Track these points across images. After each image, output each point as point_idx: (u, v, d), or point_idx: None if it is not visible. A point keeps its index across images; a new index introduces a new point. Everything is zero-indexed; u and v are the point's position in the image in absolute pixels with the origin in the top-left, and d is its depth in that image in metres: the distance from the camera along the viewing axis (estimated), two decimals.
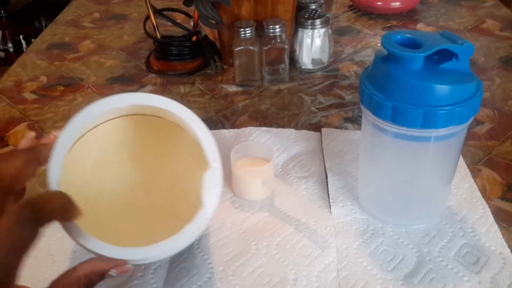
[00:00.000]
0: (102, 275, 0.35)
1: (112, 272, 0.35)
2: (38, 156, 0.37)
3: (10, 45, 2.28)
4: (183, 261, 0.48)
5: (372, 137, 0.48)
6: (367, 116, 0.46)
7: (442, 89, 0.41)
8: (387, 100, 0.42)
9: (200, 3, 0.75)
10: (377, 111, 0.43)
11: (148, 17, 0.85)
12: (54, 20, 1.12)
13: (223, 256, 0.49)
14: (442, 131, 0.43)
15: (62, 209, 0.32)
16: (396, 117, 0.42)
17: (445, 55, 0.42)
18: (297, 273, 0.47)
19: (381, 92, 0.43)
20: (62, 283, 0.33)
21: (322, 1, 0.86)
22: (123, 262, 0.35)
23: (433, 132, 0.43)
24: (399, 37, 0.44)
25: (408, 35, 0.44)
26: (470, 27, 0.98)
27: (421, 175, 0.48)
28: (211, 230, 0.52)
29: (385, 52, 0.44)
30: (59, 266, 0.49)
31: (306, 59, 0.83)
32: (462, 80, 0.42)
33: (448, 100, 0.41)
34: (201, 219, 0.38)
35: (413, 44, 0.42)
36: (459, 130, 0.44)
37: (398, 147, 0.46)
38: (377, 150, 0.49)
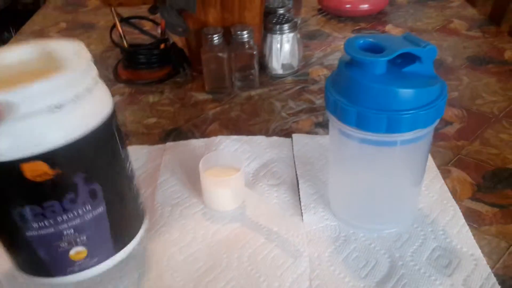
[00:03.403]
0: None
1: None
2: None
3: None
4: (152, 278, 0.47)
5: (339, 142, 0.47)
6: (333, 122, 0.46)
7: (406, 93, 0.40)
8: (352, 105, 0.42)
9: (165, 11, 0.74)
10: (342, 117, 0.43)
11: (114, 25, 0.84)
12: (19, 31, 1.10)
13: (194, 272, 0.48)
14: (407, 135, 0.42)
15: None
16: (361, 123, 0.42)
17: (408, 58, 0.42)
18: (269, 284, 0.46)
19: (346, 97, 0.42)
20: None
21: (290, 6, 0.86)
22: None
23: (398, 137, 0.42)
24: (361, 42, 0.43)
25: (370, 40, 0.43)
26: (438, 27, 0.99)
27: (389, 179, 0.48)
28: (181, 245, 0.50)
29: (349, 57, 0.43)
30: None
31: (275, 64, 0.82)
32: (425, 83, 0.41)
33: (412, 103, 0.40)
34: (72, 66, 0.38)
35: (376, 49, 0.42)
36: (425, 133, 0.44)
37: (364, 152, 0.45)
38: (344, 156, 0.48)
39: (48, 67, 0.42)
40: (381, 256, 0.48)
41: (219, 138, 0.66)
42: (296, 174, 0.59)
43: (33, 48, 0.43)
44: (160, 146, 0.66)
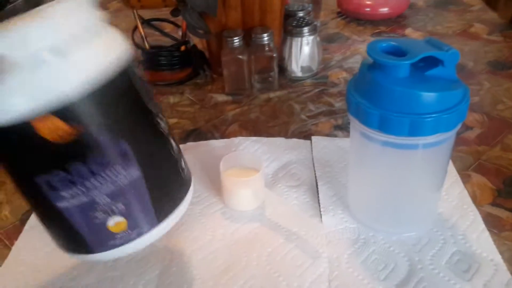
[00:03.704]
0: None
1: None
2: None
3: None
4: (172, 275, 0.48)
5: (360, 145, 0.47)
6: (355, 125, 0.46)
7: (429, 96, 0.40)
8: (374, 108, 0.42)
9: (187, 13, 0.75)
10: (364, 120, 0.43)
11: (136, 27, 0.85)
12: None
13: (213, 269, 0.48)
14: (429, 139, 0.42)
15: None
16: (383, 125, 0.42)
17: (431, 62, 0.42)
18: (288, 284, 0.46)
19: (368, 100, 0.43)
20: None
21: (310, 9, 0.86)
22: None
23: (420, 140, 0.43)
24: (384, 45, 0.43)
25: (393, 43, 0.43)
26: (458, 31, 0.99)
27: (410, 182, 0.48)
28: (201, 244, 0.51)
29: (371, 60, 0.44)
30: (46, 281, 0.48)
31: (295, 67, 0.83)
32: (448, 87, 0.42)
33: (434, 107, 0.41)
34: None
35: (399, 52, 0.42)
36: (447, 137, 0.44)
37: (386, 155, 0.45)
38: (365, 158, 0.49)
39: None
40: (400, 259, 0.48)
41: (238, 139, 0.67)
42: (315, 176, 0.60)
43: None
44: (180, 146, 0.67)
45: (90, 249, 0.40)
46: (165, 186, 0.41)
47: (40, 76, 0.32)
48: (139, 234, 0.40)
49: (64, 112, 0.33)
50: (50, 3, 0.34)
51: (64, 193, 0.36)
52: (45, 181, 0.35)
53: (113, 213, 0.38)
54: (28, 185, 0.37)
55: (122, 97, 0.37)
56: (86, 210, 0.37)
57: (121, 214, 0.38)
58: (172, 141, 0.43)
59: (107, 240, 0.39)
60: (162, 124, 0.41)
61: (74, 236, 0.39)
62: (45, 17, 0.32)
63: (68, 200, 0.37)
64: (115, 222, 0.38)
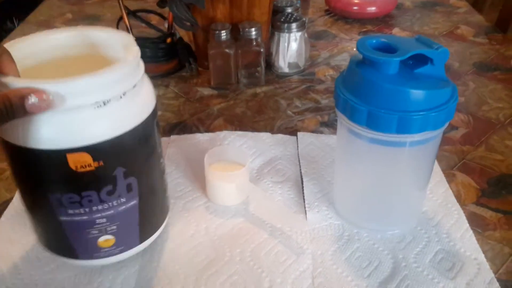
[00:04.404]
0: (21, 98, 0.34)
1: (32, 97, 0.34)
2: None
3: None
4: (153, 270, 0.47)
5: (347, 141, 0.47)
6: (342, 121, 0.45)
7: (417, 94, 0.40)
8: (362, 105, 0.42)
9: (174, 5, 0.73)
10: (352, 116, 0.43)
11: (121, 18, 0.83)
12: (24, 20, 1.09)
13: (196, 264, 0.47)
14: (417, 136, 0.42)
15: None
16: (371, 122, 0.42)
17: (420, 60, 0.42)
18: (271, 280, 0.46)
19: (356, 96, 0.42)
20: None
21: (298, 5, 0.86)
22: (42, 90, 0.34)
23: (408, 138, 0.42)
24: (374, 41, 0.43)
25: (383, 40, 0.43)
26: (444, 32, 0.99)
27: (396, 180, 0.48)
28: (183, 238, 0.50)
29: (360, 56, 0.43)
30: (23, 274, 0.47)
31: (282, 62, 0.82)
32: (437, 85, 0.41)
33: (423, 105, 0.40)
34: (122, 63, 0.38)
35: (388, 49, 0.42)
36: (435, 135, 0.44)
37: (373, 152, 0.45)
38: (352, 155, 0.48)
39: (94, 57, 0.44)
40: (384, 257, 0.48)
41: (223, 133, 0.66)
42: (301, 172, 0.59)
43: (78, 34, 0.44)
44: (164, 139, 0.66)
45: (75, 256, 0.44)
46: (152, 212, 0.46)
47: (81, 118, 0.37)
48: (121, 251, 0.45)
49: (92, 150, 0.37)
50: (114, 65, 0.38)
51: (70, 211, 0.40)
52: (57, 198, 0.40)
53: (106, 232, 0.43)
54: (39, 198, 0.41)
55: (143, 141, 0.42)
56: (84, 226, 0.42)
57: (112, 233, 0.43)
58: (165, 173, 0.48)
59: (93, 252, 0.44)
60: (162, 161, 0.47)
61: (64, 243, 0.43)
62: (103, 75, 0.37)
63: (71, 216, 0.41)
64: (105, 239, 0.43)
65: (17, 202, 0.55)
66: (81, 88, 0.36)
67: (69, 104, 0.35)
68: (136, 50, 0.40)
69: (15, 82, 0.35)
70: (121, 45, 0.42)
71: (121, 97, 0.38)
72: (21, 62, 0.40)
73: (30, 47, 0.42)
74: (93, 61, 0.44)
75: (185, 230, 0.51)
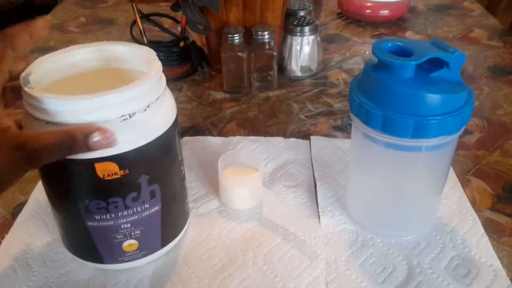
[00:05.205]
0: (86, 135, 0.35)
1: (96, 135, 0.35)
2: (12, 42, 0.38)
3: None
4: (166, 275, 0.47)
5: (361, 146, 0.47)
6: (357, 125, 0.45)
7: (434, 98, 0.40)
8: (378, 109, 0.41)
9: (187, 8, 0.74)
10: (367, 120, 0.43)
11: (134, 22, 0.84)
12: None
13: (209, 268, 0.47)
14: (433, 141, 0.42)
15: (55, 145, 0.34)
16: (387, 126, 0.41)
17: (436, 63, 0.42)
18: (285, 285, 0.46)
19: (371, 100, 0.42)
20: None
21: (311, 8, 0.86)
22: (105, 129, 0.35)
23: (424, 142, 0.42)
24: (389, 45, 0.43)
25: (398, 43, 0.43)
26: (458, 35, 0.98)
27: (411, 185, 0.47)
28: (197, 242, 0.50)
29: (375, 60, 0.43)
30: (37, 276, 0.47)
31: (294, 66, 0.82)
32: (453, 89, 0.41)
33: (439, 109, 0.40)
34: (146, 77, 0.39)
35: (404, 52, 0.42)
36: (450, 140, 0.43)
37: (388, 157, 0.45)
38: (366, 160, 0.48)
39: (111, 70, 0.46)
40: (398, 263, 0.48)
41: (236, 138, 0.66)
42: (314, 177, 0.59)
43: (98, 49, 0.46)
44: None
45: (101, 260, 0.46)
46: (173, 219, 0.48)
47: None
48: (144, 255, 0.46)
49: (118, 159, 0.39)
50: (139, 80, 0.39)
51: (96, 216, 0.42)
52: (84, 205, 0.41)
53: (130, 236, 0.44)
54: (68, 205, 0.42)
55: (166, 149, 0.43)
56: (109, 231, 0.43)
57: (136, 238, 0.45)
58: (185, 180, 0.49)
59: (118, 256, 0.45)
60: (183, 168, 0.48)
61: (91, 248, 0.45)
62: (129, 90, 0.38)
63: (98, 222, 0.43)
64: (129, 244, 0.45)
65: (32, 205, 0.55)
66: (109, 103, 0.37)
67: (97, 117, 0.37)
68: (158, 65, 0.41)
69: (46, 99, 0.36)
70: (143, 60, 0.43)
71: (145, 109, 0.39)
72: (45, 79, 0.42)
73: (53, 64, 0.44)
74: (111, 75, 0.46)
75: (198, 234, 0.51)
